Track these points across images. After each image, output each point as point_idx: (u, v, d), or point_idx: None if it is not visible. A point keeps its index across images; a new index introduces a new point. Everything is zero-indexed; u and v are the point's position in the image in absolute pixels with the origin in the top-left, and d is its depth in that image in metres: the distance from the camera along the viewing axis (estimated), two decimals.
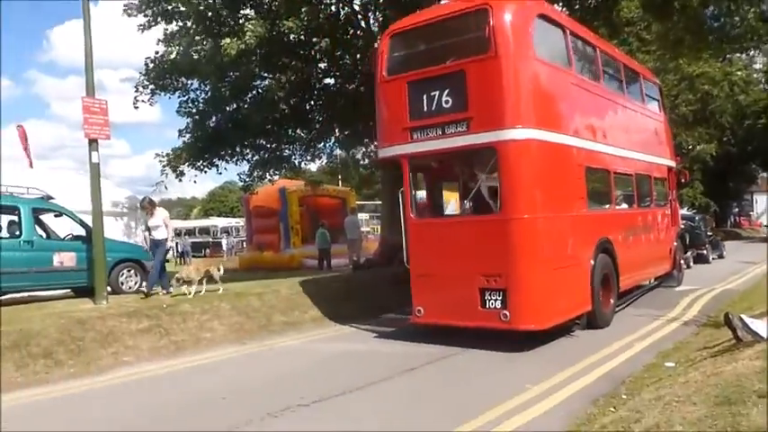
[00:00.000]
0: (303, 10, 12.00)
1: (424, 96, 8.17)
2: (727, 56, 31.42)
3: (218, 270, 10.45)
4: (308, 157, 16.62)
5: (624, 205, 10.89)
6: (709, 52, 20.06)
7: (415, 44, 9.15)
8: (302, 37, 12.45)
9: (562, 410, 5.05)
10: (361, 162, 15.99)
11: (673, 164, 13.92)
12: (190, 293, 9.65)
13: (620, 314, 9.84)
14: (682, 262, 14.19)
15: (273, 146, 15.45)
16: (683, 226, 16.57)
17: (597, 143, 9.40)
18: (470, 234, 8.03)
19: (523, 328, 7.50)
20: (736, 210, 56.40)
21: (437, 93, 8.05)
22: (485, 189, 8.61)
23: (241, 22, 12.13)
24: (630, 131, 11.22)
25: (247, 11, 12.92)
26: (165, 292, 9.97)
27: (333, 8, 14.05)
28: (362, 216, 37.11)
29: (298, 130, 15.57)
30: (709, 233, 21.98)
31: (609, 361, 6.84)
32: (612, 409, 4.71)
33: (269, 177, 16.25)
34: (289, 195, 21.13)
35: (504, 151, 7.55)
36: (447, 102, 7.99)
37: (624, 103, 11.02)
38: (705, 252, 20.07)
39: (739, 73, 39.04)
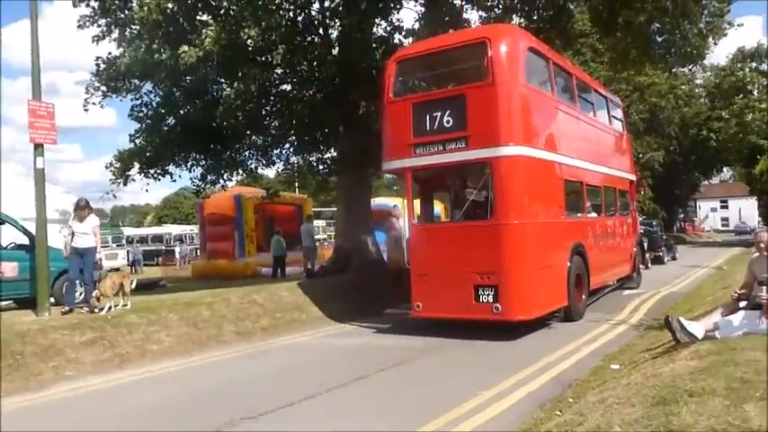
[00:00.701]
0: (264, 17, 11.90)
1: (427, 116, 9.16)
2: (672, 70, 32.75)
3: (130, 284, 9.84)
4: (264, 163, 16.41)
5: (594, 214, 12.04)
6: (655, 66, 20.86)
7: (420, 70, 10.28)
8: (261, 43, 12.34)
9: (511, 414, 5.12)
10: (318, 169, 15.84)
11: (633, 177, 15.36)
12: (102, 310, 9.04)
13: None
14: (641, 266, 15.40)
15: (228, 151, 15.21)
16: (641, 231, 18.27)
17: (573, 159, 10.58)
18: (466, 237, 9.04)
19: (513, 318, 8.51)
20: (682, 216, 58.67)
21: (439, 113, 9.03)
22: (478, 198, 9.40)
23: (198, 26, 11.94)
24: (600, 148, 12.58)
25: (204, 17, 12.73)
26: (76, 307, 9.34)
27: (291, 14, 13.99)
28: (319, 223, 36.99)
29: (253, 136, 15.38)
30: (664, 237, 24.84)
31: (558, 364, 6.98)
32: (558, 413, 4.79)
33: (222, 183, 15.97)
34: (244, 202, 20.83)
35: (497, 165, 8.61)
36: (448, 121, 8.98)
37: (595, 123, 12.45)
38: (661, 254, 22.31)
39: (683, 87, 40.86)
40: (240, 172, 15.91)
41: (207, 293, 11.12)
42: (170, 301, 10.10)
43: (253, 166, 15.75)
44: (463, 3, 14.92)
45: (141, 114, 14.49)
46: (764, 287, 5.75)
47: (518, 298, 8.54)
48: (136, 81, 14.15)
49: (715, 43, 17.73)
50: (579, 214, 11.11)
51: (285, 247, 17.53)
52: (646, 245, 19.29)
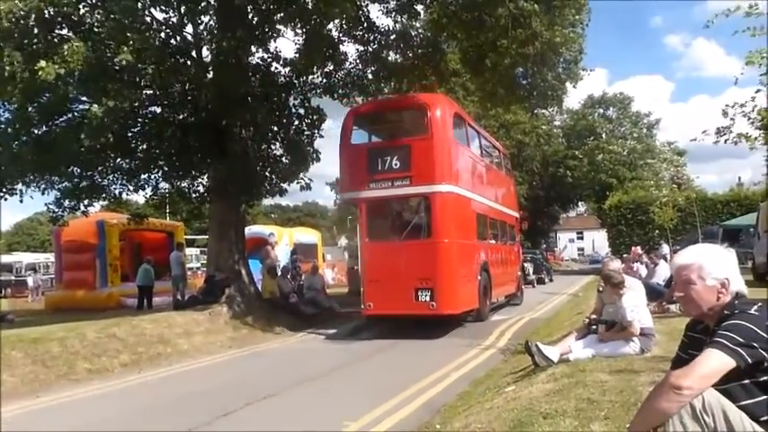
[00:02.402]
0: (133, 37, 11.34)
1: (379, 159, 11.83)
2: (534, 111, 35.49)
3: None
4: (131, 188, 15.39)
5: (493, 241, 15.18)
6: (520, 106, 22.52)
7: (372, 122, 13.04)
8: (130, 63, 11.70)
9: None
10: (189, 195, 15.10)
11: (517, 215, 19.22)
12: None
13: (441, 343, 10.65)
14: (523, 286, 19.00)
15: (89, 174, 14.10)
16: (530, 258, 25.90)
17: (481, 197, 13.81)
18: (408, 252, 11.54)
19: (445, 312, 11.22)
20: (544, 246, 62.99)
21: (389, 157, 11.71)
22: (417, 222, 11.87)
23: (56, 41, 11.06)
24: (497, 190, 16.04)
25: (64, 31, 11.84)
26: None
27: (163, 35, 13.45)
28: (194, 251, 35.42)
29: (118, 159, 14.41)
30: (544, 264, 31.07)
31: (428, 390, 7.10)
32: None
33: (83, 208, 14.76)
34: (108, 229, 19.39)
35: (433, 198, 11.41)
36: (396, 164, 11.63)
37: (493, 170, 16.07)
38: (543, 276, 28.38)
39: (543, 127, 44.47)
40: (103, 198, 14.80)
41: (59, 328, 10.12)
42: (15, 337, 9.08)
43: (117, 191, 14.71)
44: (341, 36, 15.18)
45: None
46: (603, 325, 6.28)
47: (448, 297, 11.20)
48: None
49: (573, 87, 19.62)
50: (485, 240, 14.17)
51: (153, 277, 16.53)
52: (532, 269, 25.99)
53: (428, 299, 11.02)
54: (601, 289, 7.14)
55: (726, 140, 7.45)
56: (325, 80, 15.38)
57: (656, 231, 25.93)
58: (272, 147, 15.06)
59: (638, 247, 19.37)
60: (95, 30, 11.82)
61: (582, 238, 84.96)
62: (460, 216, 11.99)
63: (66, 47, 10.32)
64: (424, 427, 5.34)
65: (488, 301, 13.45)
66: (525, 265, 23.89)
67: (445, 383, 7.45)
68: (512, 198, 18.68)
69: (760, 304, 2.43)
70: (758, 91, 7.18)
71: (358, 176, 12.01)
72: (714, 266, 2.45)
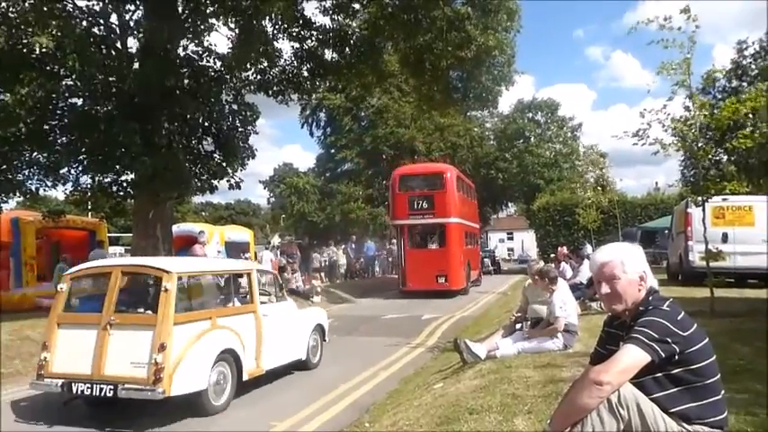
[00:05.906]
0: (54, 24, 10.72)
1: (415, 201, 20.02)
2: (467, 114, 36.22)
3: None
4: (48, 184, 14.53)
5: (470, 246, 23.07)
6: (456, 108, 23.06)
7: (411, 180, 21.26)
8: (49, 50, 11.05)
9: None
10: (112, 191, 14.33)
11: (478, 226, 27.92)
12: None
13: (372, 342, 10.61)
14: (482, 275, 27.76)
15: (2, 168, 13.22)
16: (489, 255, 38.29)
17: (465, 220, 21.80)
18: (432, 255, 19.82)
19: (453, 288, 19.27)
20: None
21: (422, 201, 19.97)
22: (438, 238, 20.18)
23: None
24: (470, 212, 24.02)
25: None
26: None
27: (85, 23, 12.81)
28: (117, 249, 33.98)
29: (35, 153, 13.58)
30: (497, 259, 42.30)
31: (358, 389, 7.09)
32: None
33: None
34: (23, 226, 18.20)
35: (447, 226, 19.69)
36: (426, 205, 19.85)
37: (469, 200, 24.43)
38: (497, 267, 38.86)
39: (476, 129, 45.47)
40: (18, 194, 13.92)
41: None
42: None
43: (34, 187, 13.87)
44: (276, 32, 14.91)
45: None
46: (528, 322, 6.48)
47: (455, 280, 19.43)
48: None
49: (507, 89, 20.36)
50: (467, 246, 21.72)
51: None
52: (491, 262, 37.20)
53: (444, 281, 19.14)
54: (527, 285, 7.35)
55: (642, 144, 7.86)
56: (259, 76, 15.08)
57: (581, 232, 26.92)
58: (204, 142, 14.61)
59: (564, 248, 20.10)
60: (10, 15, 11.14)
61: (512, 239, 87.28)
62: (459, 235, 20.33)
63: None
64: (353, 426, 5.31)
65: (469, 282, 21.34)
66: (485, 260, 34.57)
67: (375, 382, 7.45)
68: (476, 215, 26.95)
69: (671, 300, 2.55)
70: (670, 99, 7.60)
71: (402, 212, 20.23)
72: (633, 261, 2.58)
